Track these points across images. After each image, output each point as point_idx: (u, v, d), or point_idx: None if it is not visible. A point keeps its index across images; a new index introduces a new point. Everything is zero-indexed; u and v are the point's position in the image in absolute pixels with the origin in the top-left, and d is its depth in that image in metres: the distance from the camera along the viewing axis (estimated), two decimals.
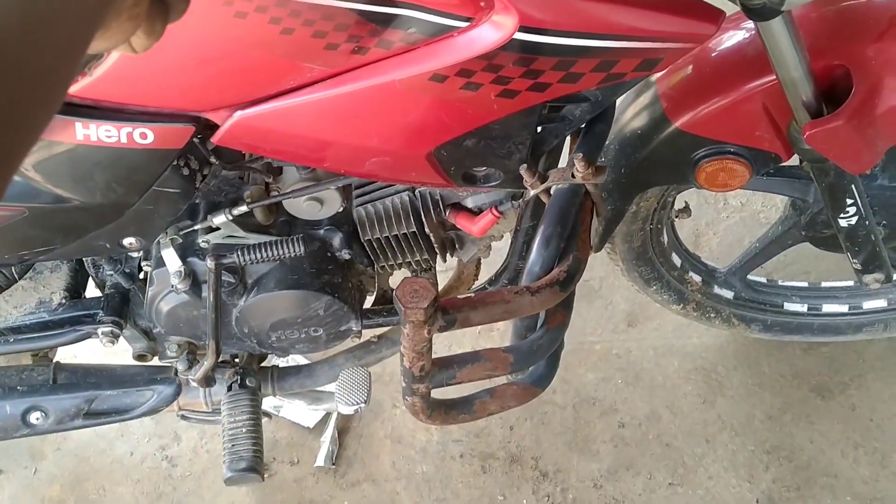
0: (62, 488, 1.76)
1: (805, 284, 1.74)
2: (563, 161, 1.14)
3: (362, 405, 1.31)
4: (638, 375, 1.81)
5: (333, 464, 1.74)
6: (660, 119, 1.27)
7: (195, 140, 1.06)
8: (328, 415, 1.79)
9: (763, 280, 1.74)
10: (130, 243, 1.20)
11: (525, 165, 1.03)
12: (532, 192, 1.04)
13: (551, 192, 1.05)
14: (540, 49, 0.90)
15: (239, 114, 1.01)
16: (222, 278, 1.22)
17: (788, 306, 1.71)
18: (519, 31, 0.88)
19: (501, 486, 1.69)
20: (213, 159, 1.13)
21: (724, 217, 2.02)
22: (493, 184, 1.12)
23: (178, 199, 1.14)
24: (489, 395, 1.13)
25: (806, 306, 1.71)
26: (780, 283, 1.74)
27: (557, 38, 0.89)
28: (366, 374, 1.34)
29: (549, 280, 0.98)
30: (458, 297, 0.95)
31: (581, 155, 0.99)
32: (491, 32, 0.89)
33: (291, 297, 1.25)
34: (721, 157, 1.25)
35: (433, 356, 1.01)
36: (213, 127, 1.05)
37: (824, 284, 1.73)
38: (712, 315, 1.70)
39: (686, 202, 1.55)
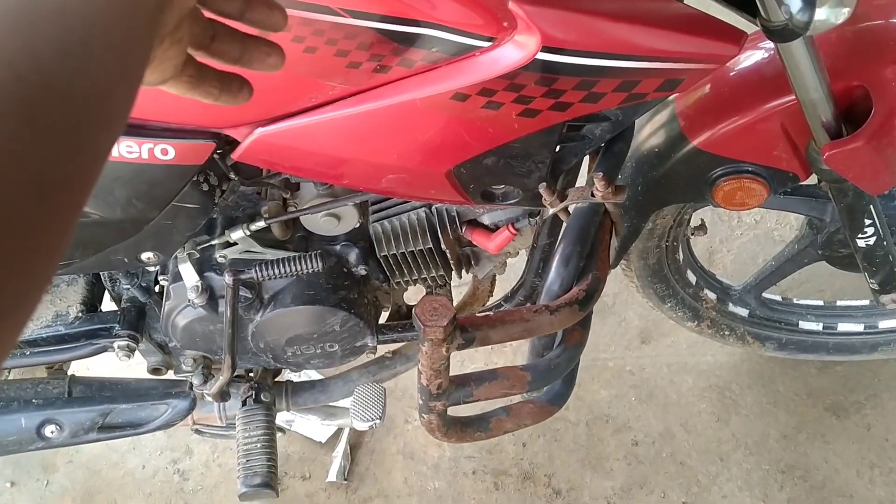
0: (74, 501, 1.75)
1: (820, 303, 1.73)
2: (581, 179, 1.14)
3: (377, 421, 1.31)
4: (652, 393, 1.80)
5: (345, 479, 1.73)
6: (677, 137, 1.27)
7: (215, 156, 1.07)
8: (340, 430, 1.78)
9: (778, 298, 1.73)
10: (148, 258, 1.20)
11: (544, 184, 1.03)
12: (551, 211, 1.04)
13: (570, 210, 1.05)
14: (562, 69, 0.90)
15: (259, 131, 1.02)
16: (239, 293, 1.22)
17: (803, 325, 1.71)
18: (541, 51, 0.88)
19: (514, 503, 1.69)
20: (232, 175, 1.13)
21: (739, 234, 2.01)
22: (512, 202, 1.12)
23: (197, 215, 1.15)
24: (505, 413, 1.12)
25: (821, 325, 1.70)
26: (795, 301, 1.74)
27: (579, 58, 0.90)
28: (381, 391, 1.33)
29: (569, 299, 0.98)
30: (478, 315, 0.95)
31: (601, 174, 0.99)
32: (513, 52, 0.90)
33: (308, 313, 1.25)
34: (739, 176, 1.25)
35: (450, 374, 1.00)
36: (233, 143, 1.06)
37: (840, 303, 1.72)
38: (727, 333, 1.69)
39: (702, 219, 1.55)
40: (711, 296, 1.66)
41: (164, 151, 1.03)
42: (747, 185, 1.26)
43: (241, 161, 1.06)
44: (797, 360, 1.78)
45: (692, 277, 1.62)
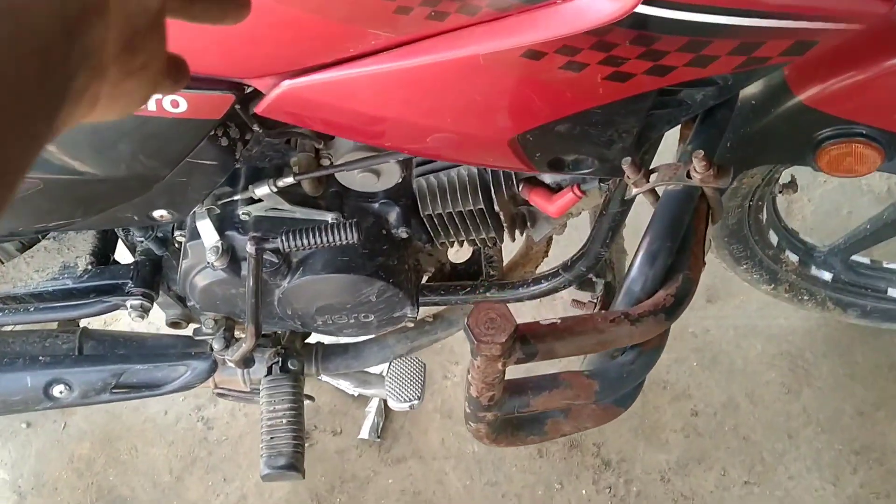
0: (92, 446, 1.66)
1: None
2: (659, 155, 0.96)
3: (416, 402, 1.18)
4: (715, 358, 1.65)
5: (378, 437, 1.62)
6: (780, 89, 1.07)
7: (236, 107, 0.90)
8: None
9: (867, 261, 1.55)
10: (162, 216, 1.05)
11: (629, 159, 0.85)
12: (635, 192, 0.86)
13: (657, 192, 0.87)
14: (667, 26, 0.72)
15: (288, 83, 0.85)
16: (264, 258, 1.07)
17: (893, 292, 1.53)
18: (642, 2, 0.69)
19: (559, 472, 1.56)
20: (255, 127, 0.96)
21: (822, 181, 1.81)
22: (585, 171, 0.94)
23: (215, 172, 0.99)
24: (563, 415, 0.98)
25: None
26: (885, 265, 1.55)
27: (690, 13, 0.71)
28: (420, 367, 1.20)
29: (654, 306, 0.81)
30: (542, 322, 0.79)
31: (702, 153, 0.80)
32: (606, 3, 0.71)
33: (341, 282, 1.10)
34: (850, 139, 1.06)
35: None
36: (256, 93, 0.89)
37: None
38: (806, 298, 1.53)
39: (792, 175, 1.36)
40: (793, 258, 1.48)
41: (175, 103, 0.86)
42: (859, 150, 1.07)
43: (264, 115, 0.90)
44: (880, 330, 1.60)
45: (774, 238, 1.45)
